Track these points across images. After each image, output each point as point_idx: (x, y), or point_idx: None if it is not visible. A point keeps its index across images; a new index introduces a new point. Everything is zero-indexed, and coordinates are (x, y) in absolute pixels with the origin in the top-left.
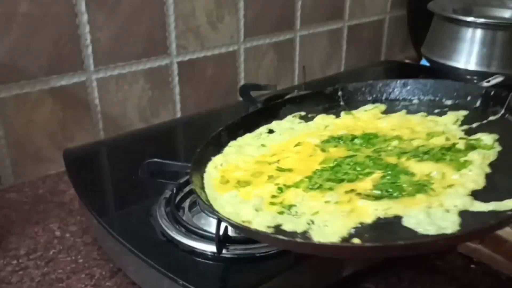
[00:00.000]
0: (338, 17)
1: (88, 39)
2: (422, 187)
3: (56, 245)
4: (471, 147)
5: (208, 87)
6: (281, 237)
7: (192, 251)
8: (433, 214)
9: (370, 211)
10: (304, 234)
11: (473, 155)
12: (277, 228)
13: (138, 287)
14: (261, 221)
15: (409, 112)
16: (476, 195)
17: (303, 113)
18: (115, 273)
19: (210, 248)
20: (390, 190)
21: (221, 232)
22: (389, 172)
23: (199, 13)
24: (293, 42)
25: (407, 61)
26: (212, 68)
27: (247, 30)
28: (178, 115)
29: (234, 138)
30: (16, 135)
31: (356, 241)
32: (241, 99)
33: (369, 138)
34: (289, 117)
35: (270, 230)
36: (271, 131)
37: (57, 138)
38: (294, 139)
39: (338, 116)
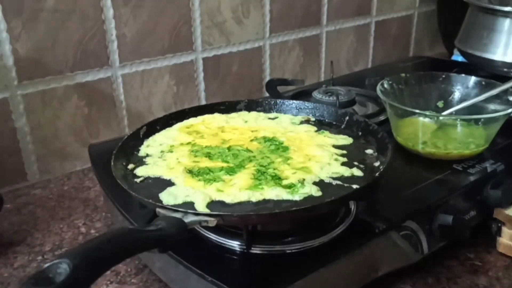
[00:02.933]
0: (366, 12)
1: (114, 35)
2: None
3: (81, 241)
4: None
5: (233, 83)
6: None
7: (220, 246)
8: None
9: None
10: None
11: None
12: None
13: (164, 284)
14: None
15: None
16: None
17: None
18: (141, 270)
19: (238, 244)
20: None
21: (249, 228)
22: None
23: (225, 8)
24: (320, 38)
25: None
26: (237, 64)
27: (273, 26)
28: None
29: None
30: (42, 131)
31: None
32: (267, 95)
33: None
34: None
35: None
36: None
37: (82, 135)
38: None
39: None
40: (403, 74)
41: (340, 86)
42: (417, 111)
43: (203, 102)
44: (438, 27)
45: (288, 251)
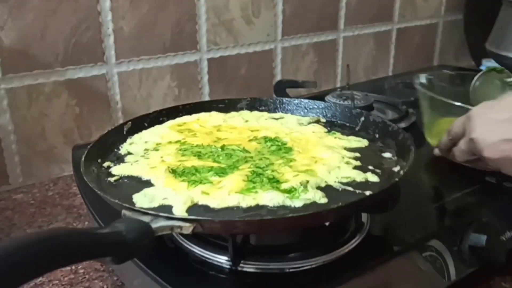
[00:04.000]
0: (387, 18)
1: (110, 28)
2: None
3: None
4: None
5: (240, 87)
6: None
7: (205, 262)
8: None
9: None
10: None
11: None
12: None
13: None
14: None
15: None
16: None
17: None
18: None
19: (227, 259)
20: None
21: (237, 239)
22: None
23: (233, 5)
24: (336, 43)
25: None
26: (245, 67)
27: (286, 28)
28: None
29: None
30: (27, 130)
31: None
32: None
33: None
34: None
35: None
36: None
37: (72, 136)
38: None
39: None
40: (447, 71)
41: (357, 91)
42: (470, 107)
43: None
44: (465, 38)
45: (287, 270)
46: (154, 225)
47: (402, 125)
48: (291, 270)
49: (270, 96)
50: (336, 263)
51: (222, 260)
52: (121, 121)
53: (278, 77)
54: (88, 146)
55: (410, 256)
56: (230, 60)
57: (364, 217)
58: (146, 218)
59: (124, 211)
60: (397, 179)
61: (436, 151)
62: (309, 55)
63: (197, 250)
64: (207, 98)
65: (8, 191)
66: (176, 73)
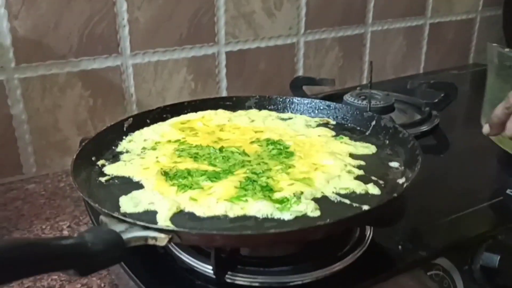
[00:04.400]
0: (419, 13)
1: (125, 19)
2: None
3: None
4: None
5: (259, 82)
6: None
7: (192, 270)
8: None
9: None
10: None
11: None
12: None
13: None
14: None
15: None
16: None
17: None
18: (116, 286)
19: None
20: None
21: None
22: None
23: None
24: (363, 37)
25: None
26: (265, 61)
27: (309, 21)
28: None
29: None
30: (41, 121)
31: None
32: None
33: None
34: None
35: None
36: None
37: (85, 128)
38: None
39: None
40: None
41: (378, 90)
42: None
43: None
44: (504, 35)
45: (278, 285)
46: (126, 235)
47: (424, 127)
48: (285, 284)
49: (291, 93)
50: (331, 279)
51: (210, 270)
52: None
53: (300, 73)
54: (83, 144)
55: (415, 275)
56: (250, 53)
57: (367, 228)
58: (121, 227)
59: (101, 217)
60: (395, 195)
61: (486, 128)
62: (333, 50)
63: (185, 257)
64: (224, 93)
65: (22, 181)
66: (192, 66)
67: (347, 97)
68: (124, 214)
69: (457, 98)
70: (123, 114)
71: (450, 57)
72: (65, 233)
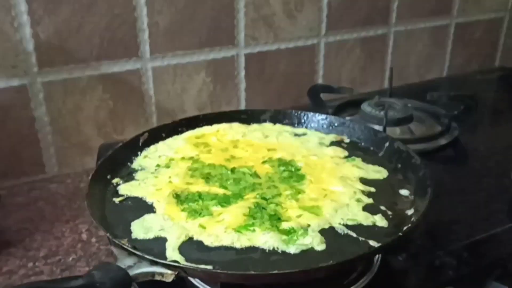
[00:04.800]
0: (445, 12)
1: (145, 23)
2: None
3: (78, 250)
4: None
5: (279, 84)
6: None
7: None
8: None
9: None
10: None
11: None
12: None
13: None
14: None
15: None
16: None
17: None
18: None
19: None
20: None
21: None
22: None
23: None
24: (386, 38)
25: None
26: (285, 63)
27: (331, 22)
28: None
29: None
30: (63, 122)
31: None
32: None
33: None
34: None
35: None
36: None
37: (105, 129)
38: None
39: None
40: None
41: (398, 98)
42: None
43: (243, 103)
44: None
45: None
46: (134, 272)
47: (442, 141)
48: None
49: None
50: None
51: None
52: (154, 116)
53: (320, 74)
54: (98, 162)
55: None
56: (269, 55)
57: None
58: (130, 261)
59: (112, 248)
60: (401, 234)
61: None
62: (355, 52)
63: (197, 282)
64: (243, 94)
65: (44, 180)
66: (211, 68)
67: (365, 107)
68: (134, 244)
69: (477, 111)
70: (142, 115)
71: (475, 58)
72: (83, 237)
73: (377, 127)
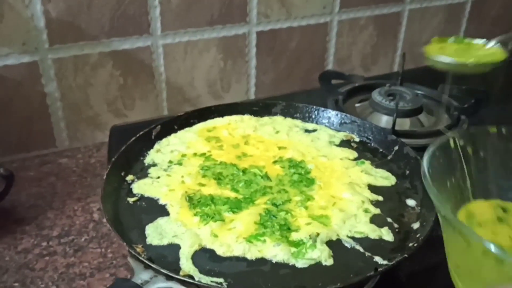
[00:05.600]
0: None
1: (157, 0)
2: None
3: (90, 231)
4: None
5: (289, 62)
6: None
7: None
8: None
9: None
10: None
11: None
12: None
13: None
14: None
15: None
16: None
17: None
18: None
19: None
20: None
21: None
22: None
23: None
24: (400, 16)
25: None
26: (296, 41)
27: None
28: (252, 91)
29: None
30: (73, 98)
31: None
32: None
33: None
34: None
35: None
36: None
37: (116, 105)
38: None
39: None
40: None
41: (408, 86)
42: None
43: (253, 80)
44: None
45: None
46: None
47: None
48: None
49: (321, 70)
50: None
51: None
52: (164, 92)
53: (331, 51)
54: (113, 159)
55: None
56: (281, 33)
57: None
58: (146, 276)
59: (129, 259)
60: (406, 255)
61: None
62: (368, 29)
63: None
64: (253, 72)
65: (55, 154)
66: (222, 45)
67: (376, 95)
68: (149, 250)
69: (488, 105)
70: (152, 91)
71: (491, 36)
72: (95, 216)
73: (387, 118)
